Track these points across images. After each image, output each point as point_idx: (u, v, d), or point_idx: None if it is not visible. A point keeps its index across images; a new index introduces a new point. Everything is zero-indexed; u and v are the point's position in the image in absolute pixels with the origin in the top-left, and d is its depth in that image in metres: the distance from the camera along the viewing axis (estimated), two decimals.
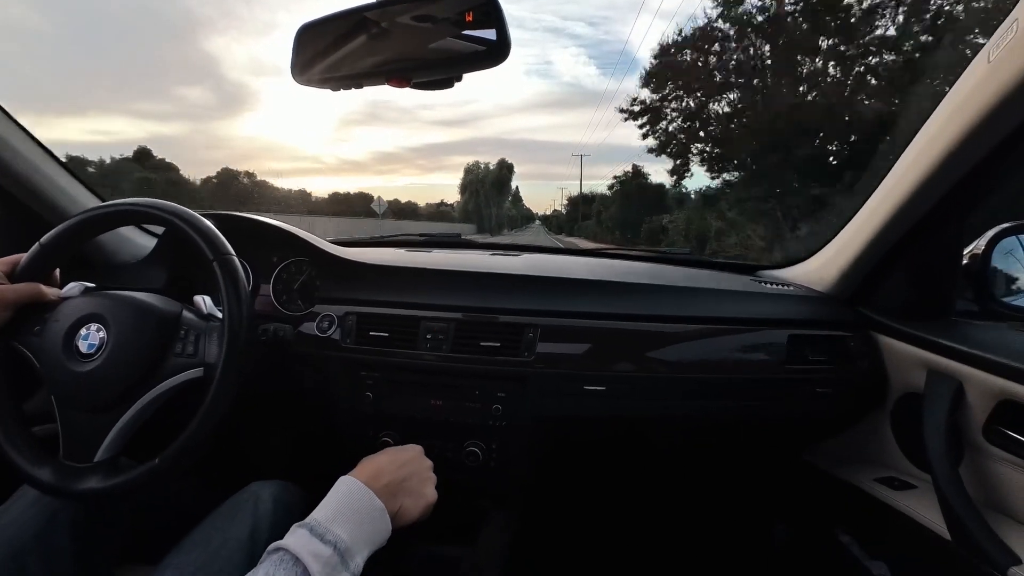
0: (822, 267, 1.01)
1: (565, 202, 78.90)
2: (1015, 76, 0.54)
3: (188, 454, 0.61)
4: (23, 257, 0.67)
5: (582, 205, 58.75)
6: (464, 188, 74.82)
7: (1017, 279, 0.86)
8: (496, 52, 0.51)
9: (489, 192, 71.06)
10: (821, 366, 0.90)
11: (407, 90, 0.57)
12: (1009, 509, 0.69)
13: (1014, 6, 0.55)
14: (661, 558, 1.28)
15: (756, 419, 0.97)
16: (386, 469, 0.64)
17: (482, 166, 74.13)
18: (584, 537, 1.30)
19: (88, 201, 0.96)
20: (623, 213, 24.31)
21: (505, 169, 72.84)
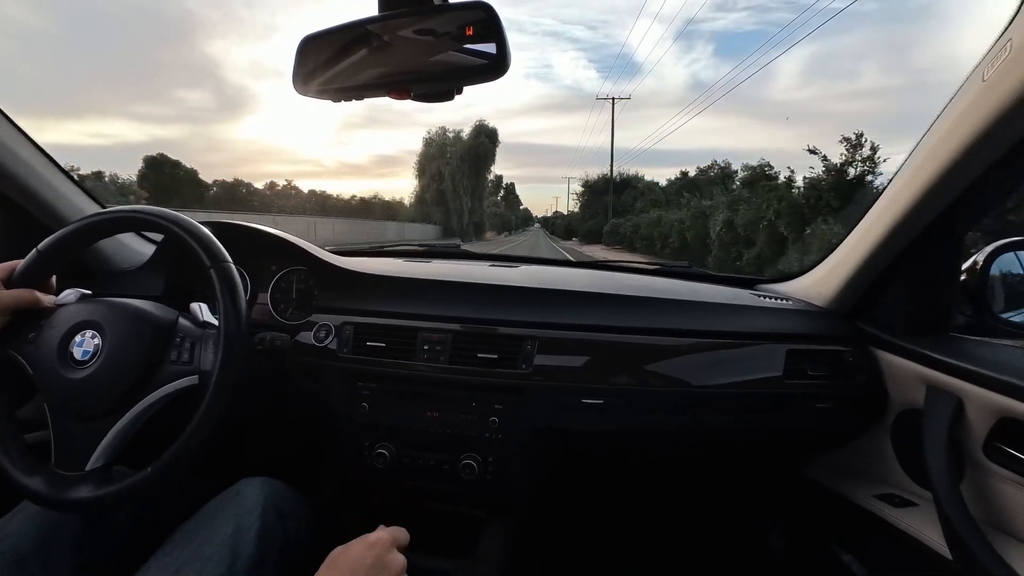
0: (821, 281, 1.01)
1: (580, 190, 49.12)
2: (1011, 95, 0.55)
3: (181, 464, 0.61)
4: (20, 263, 0.67)
5: (612, 195, 35.28)
6: (422, 168, 45.09)
7: (1015, 295, 0.86)
8: (496, 65, 0.52)
9: (459, 172, 43.32)
10: (820, 381, 0.89)
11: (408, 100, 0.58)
12: (1011, 528, 0.68)
13: (1008, 27, 0.55)
14: (659, 571, 1.26)
15: (755, 434, 0.96)
16: None
17: (451, 135, 44.13)
18: (582, 550, 1.29)
19: (88, 207, 0.97)
20: None
21: (484, 136, 43.89)
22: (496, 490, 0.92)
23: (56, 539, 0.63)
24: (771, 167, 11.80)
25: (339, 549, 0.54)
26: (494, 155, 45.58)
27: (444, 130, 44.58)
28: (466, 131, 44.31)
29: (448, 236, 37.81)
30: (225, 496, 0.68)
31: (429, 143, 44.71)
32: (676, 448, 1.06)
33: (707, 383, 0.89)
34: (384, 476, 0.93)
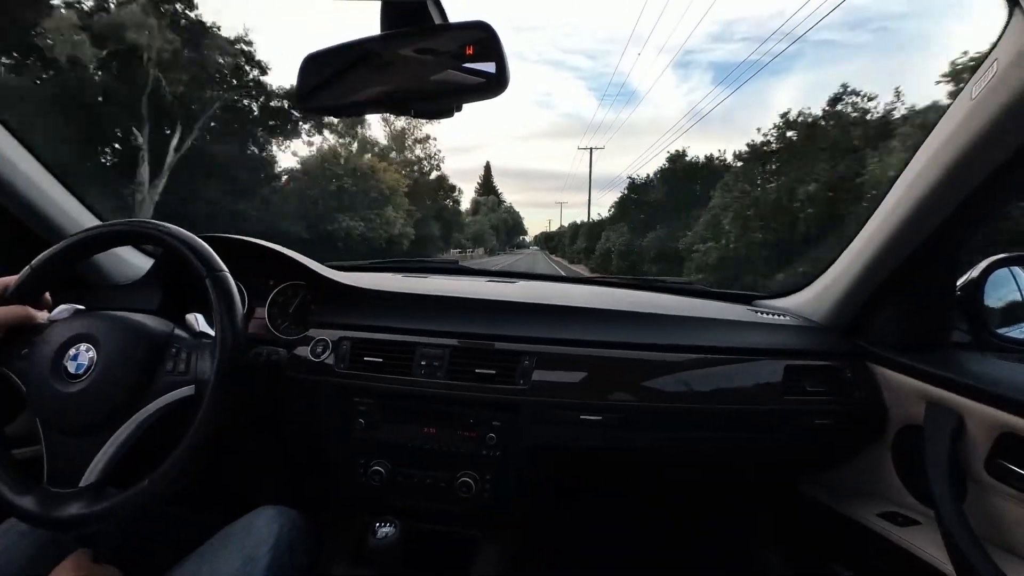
0: (818, 297, 1.01)
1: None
2: (997, 112, 0.56)
3: (179, 474, 0.60)
4: (12, 280, 0.66)
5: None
6: None
7: (1011, 310, 0.87)
8: (495, 84, 0.53)
9: None
10: (819, 397, 0.89)
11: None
12: (1014, 545, 0.67)
13: (994, 47, 0.57)
14: None
15: (755, 450, 0.95)
16: None
17: None
18: (579, 570, 1.26)
19: (86, 220, 0.97)
20: None
21: None
22: (493, 508, 0.91)
23: (44, 562, 0.61)
24: None
25: None
26: None
27: None
28: None
29: None
30: (232, 529, 0.67)
31: None
32: (675, 465, 1.05)
33: (705, 399, 0.88)
34: (380, 494, 0.91)
